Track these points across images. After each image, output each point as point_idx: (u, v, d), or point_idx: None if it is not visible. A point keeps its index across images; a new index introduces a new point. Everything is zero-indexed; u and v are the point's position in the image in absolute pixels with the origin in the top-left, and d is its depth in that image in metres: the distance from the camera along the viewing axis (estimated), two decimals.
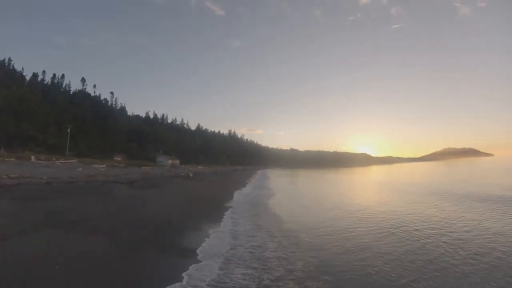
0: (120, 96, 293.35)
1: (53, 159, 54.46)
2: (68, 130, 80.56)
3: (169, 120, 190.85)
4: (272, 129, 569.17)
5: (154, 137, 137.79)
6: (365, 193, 40.53)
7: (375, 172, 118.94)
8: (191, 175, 60.08)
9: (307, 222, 19.23)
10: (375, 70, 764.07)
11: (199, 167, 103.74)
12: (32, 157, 49.72)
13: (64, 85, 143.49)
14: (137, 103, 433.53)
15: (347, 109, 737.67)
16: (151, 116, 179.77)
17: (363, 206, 26.03)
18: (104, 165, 59.11)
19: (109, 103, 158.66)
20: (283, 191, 44.64)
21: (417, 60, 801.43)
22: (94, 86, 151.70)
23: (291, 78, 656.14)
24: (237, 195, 35.55)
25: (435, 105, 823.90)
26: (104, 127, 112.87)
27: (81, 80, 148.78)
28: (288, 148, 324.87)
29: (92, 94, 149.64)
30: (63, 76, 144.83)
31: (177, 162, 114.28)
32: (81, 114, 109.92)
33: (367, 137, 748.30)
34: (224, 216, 20.64)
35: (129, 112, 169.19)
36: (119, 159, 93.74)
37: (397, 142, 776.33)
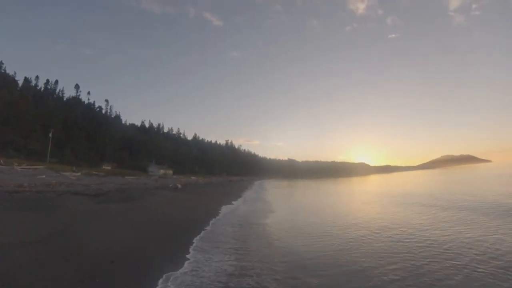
0: (117, 105, 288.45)
1: (15, 163, 47.75)
2: (50, 135, 74.02)
3: (165, 130, 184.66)
4: (270, 140, 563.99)
5: (147, 146, 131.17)
6: (372, 207, 33.68)
7: (374, 182, 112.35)
8: (179, 186, 53.52)
9: (320, 258, 13.14)
10: (372, 79, 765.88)
11: (193, 177, 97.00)
12: None
13: (57, 91, 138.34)
14: (134, 112, 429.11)
15: (345, 119, 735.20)
16: (147, 125, 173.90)
17: (380, 225, 21.11)
18: (78, 173, 52.52)
19: (104, 111, 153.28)
20: (281, 205, 38.47)
21: (414, 68, 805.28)
22: (88, 93, 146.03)
23: (288, 89, 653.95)
24: (225, 210, 29.60)
25: (432, 113, 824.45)
26: (94, 134, 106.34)
27: (75, 87, 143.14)
28: (286, 159, 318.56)
29: (86, 101, 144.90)
30: (56, 82, 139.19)
31: (170, 172, 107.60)
32: (70, 120, 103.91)
33: (365, 146, 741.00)
34: (192, 247, 14.48)
35: (125, 121, 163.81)
36: (108, 167, 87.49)
37: (394, 151, 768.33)
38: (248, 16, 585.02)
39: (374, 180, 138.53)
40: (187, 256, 12.94)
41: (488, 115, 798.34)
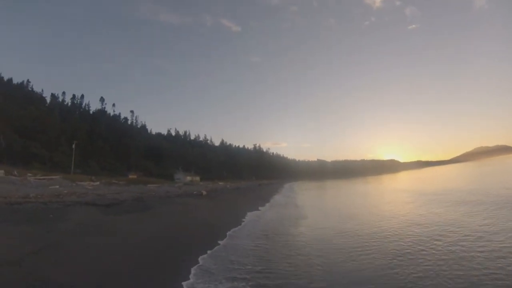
0: (143, 115, 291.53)
1: (29, 174, 45.34)
2: (73, 146, 72.52)
3: (192, 137, 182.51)
4: (297, 141, 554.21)
5: (173, 154, 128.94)
6: (415, 207, 28.33)
7: (407, 179, 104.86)
8: (204, 193, 49.77)
9: None
10: (396, 72, 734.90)
11: (220, 183, 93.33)
12: (1, 171, 40.57)
13: (83, 105, 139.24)
14: (160, 122, 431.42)
15: (372, 116, 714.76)
16: (173, 133, 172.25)
17: (436, 230, 17.19)
18: (97, 183, 49.73)
19: (129, 121, 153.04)
20: (313, 209, 34.04)
21: (439, 57, 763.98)
22: (113, 105, 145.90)
23: (312, 89, 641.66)
24: (250, 218, 26.06)
25: (462, 103, 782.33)
26: (119, 144, 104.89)
27: (100, 100, 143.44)
28: (315, 160, 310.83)
29: (112, 113, 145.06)
30: (82, 96, 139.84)
31: (197, 178, 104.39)
32: (95, 132, 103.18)
33: (394, 142, 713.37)
34: (194, 269, 11.09)
35: (151, 130, 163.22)
36: (134, 176, 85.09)
37: (425, 146, 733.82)
38: (265, 20, 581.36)
39: (406, 177, 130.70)
40: (183, 284, 9.45)
41: None
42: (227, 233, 18.25)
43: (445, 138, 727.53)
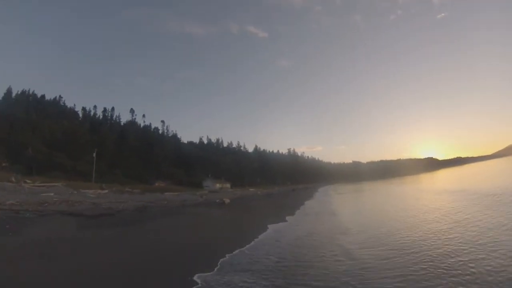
0: (175, 126, 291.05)
1: (27, 181, 40.75)
2: (94, 154, 69.20)
3: (225, 144, 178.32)
4: (332, 144, 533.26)
5: (204, 162, 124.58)
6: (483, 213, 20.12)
7: (449, 178, 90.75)
8: (227, 201, 44.05)
9: None
10: (428, 64, 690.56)
11: (251, 189, 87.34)
12: None
13: (114, 117, 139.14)
14: (194, 132, 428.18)
15: (406, 113, 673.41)
16: (205, 141, 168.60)
17: None
18: (105, 191, 44.79)
19: (160, 131, 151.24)
20: (355, 219, 24.33)
21: (472, 45, 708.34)
22: (143, 116, 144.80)
23: (343, 90, 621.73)
24: (269, 233, 18.90)
25: (501, 91, 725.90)
26: (147, 153, 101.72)
27: (130, 111, 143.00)
28: (350, 161, 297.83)
29: (142, 124, 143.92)
30: (112, 109, 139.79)
31: (228, 185, 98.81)
32: (123, 142, 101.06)
33: (431, 140, 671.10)
34: None
35: (182, 139, 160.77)
36: (162, 185, 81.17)
37: (464, 141, 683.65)
38: (291, 23, 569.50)
39: (447, 175, 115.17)
40: None
41: None
42: (220, 261, 11.67)
43: (485, 132, 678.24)
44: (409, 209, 26.54)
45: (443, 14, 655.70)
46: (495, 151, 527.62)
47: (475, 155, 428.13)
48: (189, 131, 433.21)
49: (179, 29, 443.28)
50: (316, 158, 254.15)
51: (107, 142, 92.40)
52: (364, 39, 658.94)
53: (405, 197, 42.41)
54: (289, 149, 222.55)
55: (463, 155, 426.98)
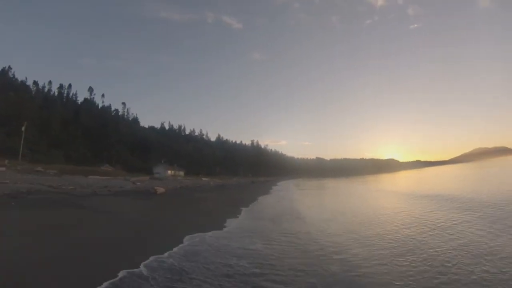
0: (142, 110, 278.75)
1: None
2: (23, 129, 60.83)
3: (187, 132, 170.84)
4: (297, 139, 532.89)
5: (163, 148, 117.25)
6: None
7: (410, 179, 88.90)
8: (161, 190, 37.22)
9: None
10: (397, 71, 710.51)
11: (204, 179, 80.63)
12: None
13: (71, 95, 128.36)
14: (160, 118, 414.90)
15: (371, 114, 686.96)
16: (167, 126, 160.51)
17: None
18: (2, 168, 37.69)
19: (120, 113, 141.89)
20: (325, 223, 18.62)
21: (439, 57, 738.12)
22: (103, 95, 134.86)
23: (313, 87, 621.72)
24: (174, 256, 10.96)
25: (462, 103, 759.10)
26: (99, 135, 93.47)
27: (88, 90, 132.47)
28: (314, 158, 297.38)
29: (101, 105, 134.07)
30: (70, 86, 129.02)
31: (181, 173, 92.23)
32: (75, 121, 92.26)
33: (393, 142, 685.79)
34: None
35: (147, 124, 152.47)
36: (109, 169, 73.97)
37: (424, 145, 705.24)
38: (268, 17, 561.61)
39: (409, 177, 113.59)
40: None
41: None
42: None
43: (444, 139, 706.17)
44: (387, 214, 21.36)
45: (416, 25, 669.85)
46: (452, 157, 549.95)
47: (433, 160, 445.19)
48: (155, 116, 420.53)
49: (155, 13, 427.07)
50: (280, 152, 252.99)
51: (52, 119, 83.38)
52: (339, 40, 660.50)
53: (376, 197, 38.39)
54: (252, 141, 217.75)
55: (422, 159, 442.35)
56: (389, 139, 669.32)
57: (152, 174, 78.12)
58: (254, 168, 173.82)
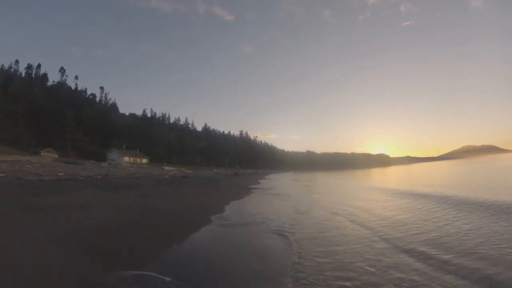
0: (129, 101, 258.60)
1: None
2: None
3: (172, 120, 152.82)
4: (287, 133, 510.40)
5: (135, 134, 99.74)
6: None
7: (403, 174, 73.03)
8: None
9: None
10: (388, 68, 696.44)
11: (166, 168, 62.49)
12: None
13: (40, 75, 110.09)
14: (147, 108, 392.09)
15: (364, 110, 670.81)
16: (149, 114, 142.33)
17: None
18: None
19: (98, 99, 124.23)
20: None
21: (430, 55, 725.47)
22: (76, 77, 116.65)
23: (304, 81, 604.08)
24: None
25: (452, 101, 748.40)
26: (48, 115, 75.82)
27: (59, 71, 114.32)
28: (305, 151, 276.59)
29: (73, 87, 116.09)
30: (39, 66, 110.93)
31: (144, 160, 74.90)
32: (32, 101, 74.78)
33: (384, 137, 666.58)
34: None
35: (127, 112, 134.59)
36: (52, 154, 56.91)
37: (414, 142, 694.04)
38: (259, 9, 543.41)
39: (398, 171, 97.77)
40: None
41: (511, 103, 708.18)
42: None
43: (434, 136, 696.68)
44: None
45: (408, 23, 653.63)
46: (441, 154, 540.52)
47: (423, 156, 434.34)
48: (143, 107, 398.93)
49: (144, 2, 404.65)
50: (270, 144, 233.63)
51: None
52: (331, 34, 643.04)
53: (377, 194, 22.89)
54: (241, 131, 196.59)
55: (412, 154, 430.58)
56: (380, 134, 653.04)
57: (105, 161, 60.87)
58: (243, 160, 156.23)
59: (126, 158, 67.38)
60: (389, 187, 26.56)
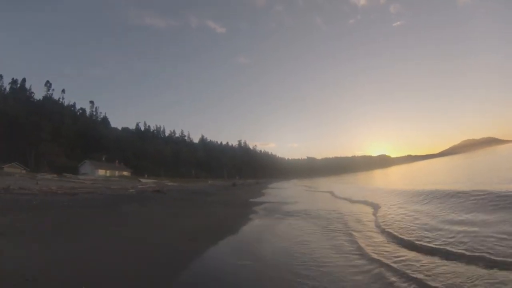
0: (125, 118, 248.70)
1: None
2: None
3: (167, 133, 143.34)
4: (285, 141, 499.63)
5: (120, 147, 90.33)
6: None
7: (409, 174, 63.33)
8: None
9: None
10: (382, 69, 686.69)
11: (144, 180, 51.35)
12: None
13: (27, 92, 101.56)
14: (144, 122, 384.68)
15: (361, 113, 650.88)
16: (142, 128, 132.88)
17: None
18: None
19: (87, 113, 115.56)
20: None
21: (423, 53, 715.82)
22: (63, 91, 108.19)
23: (300, 88, 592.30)
24: None
25: (448, 97, 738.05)
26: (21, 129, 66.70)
27: (45, 85, 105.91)
28: (305, 158, 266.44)
29: (61, 101, 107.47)
30: (24, 80, 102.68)
31: (124, 173, 64.68)
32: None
33: (384, 138, 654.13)
34: None
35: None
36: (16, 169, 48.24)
37: (414, 140, 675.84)
38: (251, 21, 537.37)
39: (400, 171, 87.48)
40: None
41: (506, 94, 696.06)
42: None
43: (433, 133, 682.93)
44: None
45: (398, 23, 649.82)
46: (441, 150, 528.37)
47: (423, 154, 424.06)
48: (138, 121, 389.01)
49: (137, 20, 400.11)
50: (270, 153, 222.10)
51: None
52: (324, 40, 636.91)
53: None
54: (239, 141, 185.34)
55: (413, 153, 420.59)
56: (380, 136, 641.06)
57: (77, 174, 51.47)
58: (242, 170, 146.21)
59: (101, 171, 57.53)
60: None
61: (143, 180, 49.04)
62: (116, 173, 59.42)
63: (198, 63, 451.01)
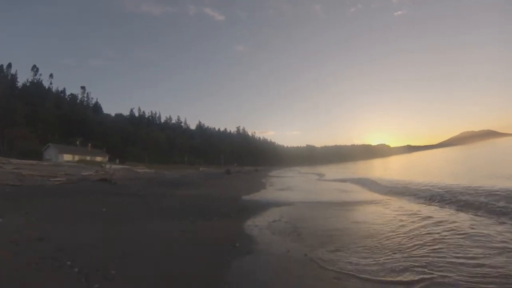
0: (123, 106, 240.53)
1: None
2: None
3: (163, 119, 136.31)
4: (285, 129, 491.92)
5: (106, 133, 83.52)
6: None
7: (411, 164, 55.69)
8: None
9: None
10: (384, 59, 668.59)
11: (116, 166, 44.16)
12: None
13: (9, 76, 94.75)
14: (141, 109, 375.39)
15: (361, 102, 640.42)
16: (137, 114, 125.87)
17: None
18: None
19: (78, 99, 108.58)
20: None
21: (425, 43, 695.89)
22: (51, 75, 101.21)
23: (300, 76, 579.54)
24: None
25: (448, 89, 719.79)
26: None
27: (32, 69, 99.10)
28: (304, 145, 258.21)
29: (48, 86, 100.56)
30: (9, 65, 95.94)
31: (98, 158, 57.20)
32: None
33: (384, 128, 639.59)
34: None
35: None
36: None
37: (414, 131, 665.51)
38: (250, 8, 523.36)
39: (397, 161, 79.88)
40: None
41: (507, 87, 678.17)
42: None
43: (433, 124, 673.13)
44: None
45: (400, 12, 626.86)
46: (440, 141, 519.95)
47: (422, 144, 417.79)
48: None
49: (133, 7, 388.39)
50: (269, 140, 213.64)
51: None
52: (324, 29, 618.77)
53: None
54: (238, 127, 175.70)
55: (412, 143, 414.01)
56: (379, 125, 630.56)
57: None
58: (241, 157, 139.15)
59: (67, 156, 50.65)
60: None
61: (113, 166, 41.95)
62: (88, 158, 52.40)
63: (196, 50, 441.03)
